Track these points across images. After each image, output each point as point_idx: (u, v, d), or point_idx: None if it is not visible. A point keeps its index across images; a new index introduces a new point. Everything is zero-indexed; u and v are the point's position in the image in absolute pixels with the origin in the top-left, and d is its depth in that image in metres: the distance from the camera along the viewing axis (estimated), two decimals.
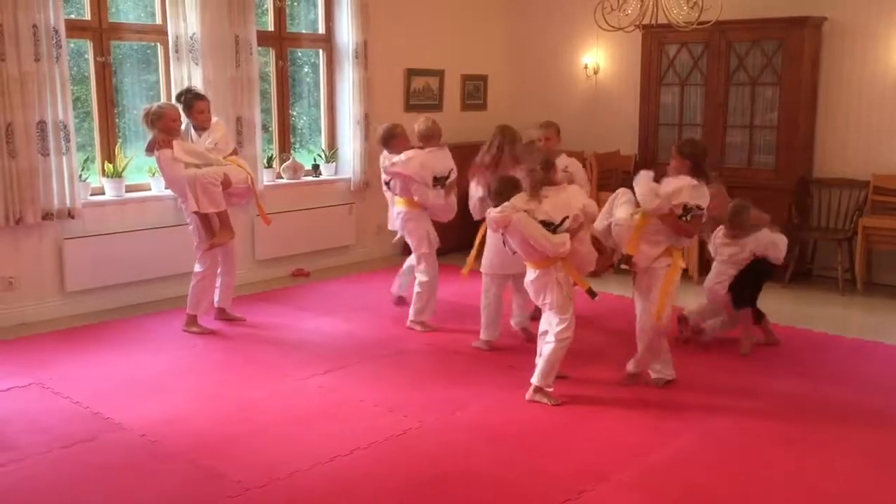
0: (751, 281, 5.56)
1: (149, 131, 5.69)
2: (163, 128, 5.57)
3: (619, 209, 4.83)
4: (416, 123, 5.96)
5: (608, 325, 6.11)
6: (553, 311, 4.64)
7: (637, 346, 4.94)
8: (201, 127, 5.82)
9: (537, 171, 4.62)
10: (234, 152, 6.05)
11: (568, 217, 4.56)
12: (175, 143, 5.58)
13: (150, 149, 5.66)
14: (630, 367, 4.97)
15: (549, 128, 6.02)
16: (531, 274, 4.69)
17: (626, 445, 4.14)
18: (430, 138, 5.88)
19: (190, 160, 5.62)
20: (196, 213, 5.65)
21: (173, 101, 5.94)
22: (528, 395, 4.70)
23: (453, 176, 5.94)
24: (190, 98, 5.80)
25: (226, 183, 5.68)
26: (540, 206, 4.55)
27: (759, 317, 5.69)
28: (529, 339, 5.55)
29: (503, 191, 4.68)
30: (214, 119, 5.93)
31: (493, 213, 4.63)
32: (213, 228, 5.77)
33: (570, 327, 4.62)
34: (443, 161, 5.87)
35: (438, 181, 5.86)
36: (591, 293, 4.71)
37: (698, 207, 4.65)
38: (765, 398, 4.78)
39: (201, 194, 5.58)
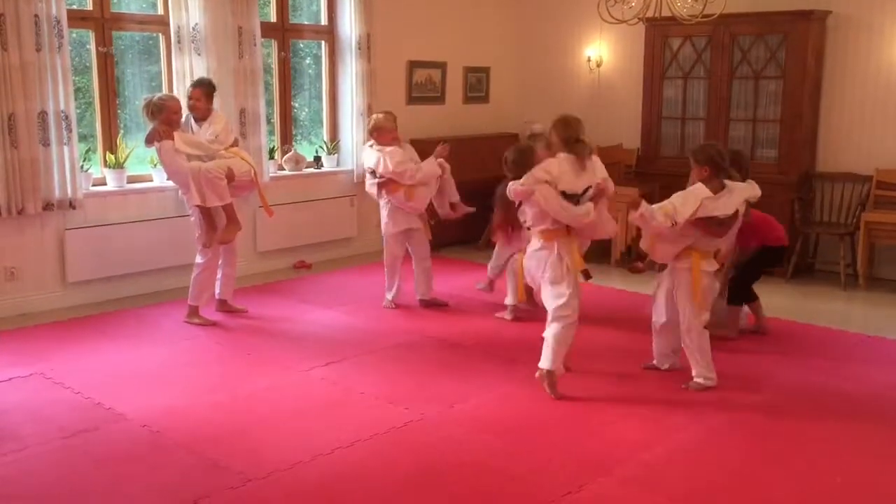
0: (754, 274, 5.60)
1: (148, 122, 5.65)
2: (164, 120, 5.55)
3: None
4: None
5: (610, 318, 6.10)
6: (550, 285, 4.59)
7: (686, 354, 4.84)
8: (201, 118, 5.80)
9: (584, 142, 4.55)
10: (235, 143, 6.02)
11: (590, 187, 4.54)
12: (176, 134, 5.56)
13: (150, 140, 5.63)
14: (698, 380, 4.78)
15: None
16: (535, 244, 4.65)
17: (627, 439, 4.13)
18: (371, 132, 6.16)
19: (192, 152, 5.59)
20: (198, 206, 5.63)
21: (190, 88, 5.90)
22: (537, 374, 4.66)
23: (379, 170, 6.05)
24: (211, 90, 5.85)
25: (230, 176, 5.64)
26: (577, 174, 4.48)
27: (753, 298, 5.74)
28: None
29: (520, 160, 4.70)
30: (215, 109, 5.92)
31: (515, 185, 4.58)
32: (217, 222, 5.74)
33: (568, 304, 4.55)
34: (371, 156, 6.09)
35: (373, 173, 6.13)
36: (587, 275, 4.66)
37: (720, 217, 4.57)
38: (766, 393, 4.77)
39: (206, 188, 5.53)
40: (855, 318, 6.25)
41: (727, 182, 4.62)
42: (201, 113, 5.80)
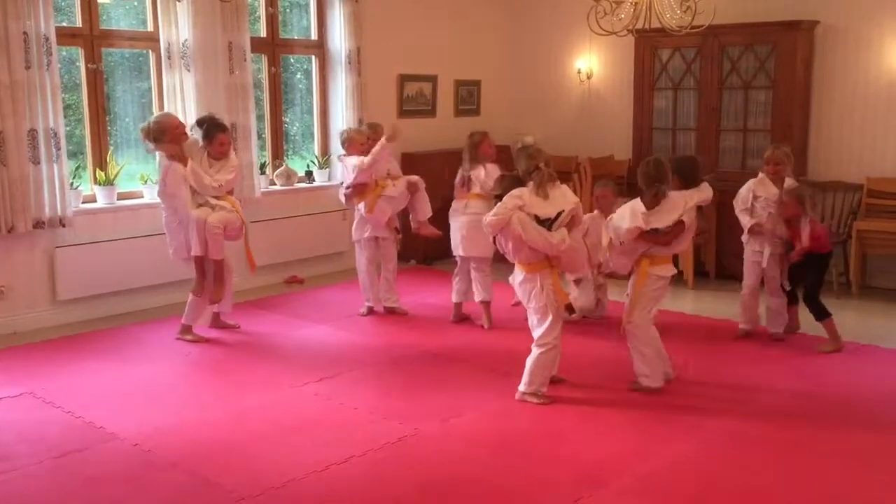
0: (810, 284, 5.71)
1: (149, 145, 5.60)
2: (171, 139, 5.52)
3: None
4: None
5: (602, 330, 6.09)
6: (537, 315, 4.65)
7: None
8: (216, 158, 5.78)
9: (545, 169, 4.61)
10: (232, 191, 5.95)
11: (563, 211, 4.56)
12: (191, 163, 5.57)
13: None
14: (639, 379, 4.91)
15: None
16: (518, 276, 4.71)
17: (623, 452, 4.11)
18: (342, 144, 6.44)
19: (192, 184, 5.60)
20: (197, 257, 5.63)
21: (193, 125, 5.89)
22: (517, 396, 4.74)
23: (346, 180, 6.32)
24: (212, 128, 5.74)
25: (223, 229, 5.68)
26: (544, 200, 4.54)
27: (793, 300, 5.85)
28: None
29: (505, 188, 4.68)
30: (233, 157, 5.85)
31: (488, 218, 4.60)
32: (208, 272, 5.75)
33: (551, 332, 4.63)
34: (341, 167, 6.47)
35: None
36: (570, 309, 4.77)
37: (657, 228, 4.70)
38: (761, 402, 4.77)
39: (210, 242, 5.59)
40: (848, 327, 6.22)
41: (670, 193, 4.73)
42: (218, 155, 5.77)
